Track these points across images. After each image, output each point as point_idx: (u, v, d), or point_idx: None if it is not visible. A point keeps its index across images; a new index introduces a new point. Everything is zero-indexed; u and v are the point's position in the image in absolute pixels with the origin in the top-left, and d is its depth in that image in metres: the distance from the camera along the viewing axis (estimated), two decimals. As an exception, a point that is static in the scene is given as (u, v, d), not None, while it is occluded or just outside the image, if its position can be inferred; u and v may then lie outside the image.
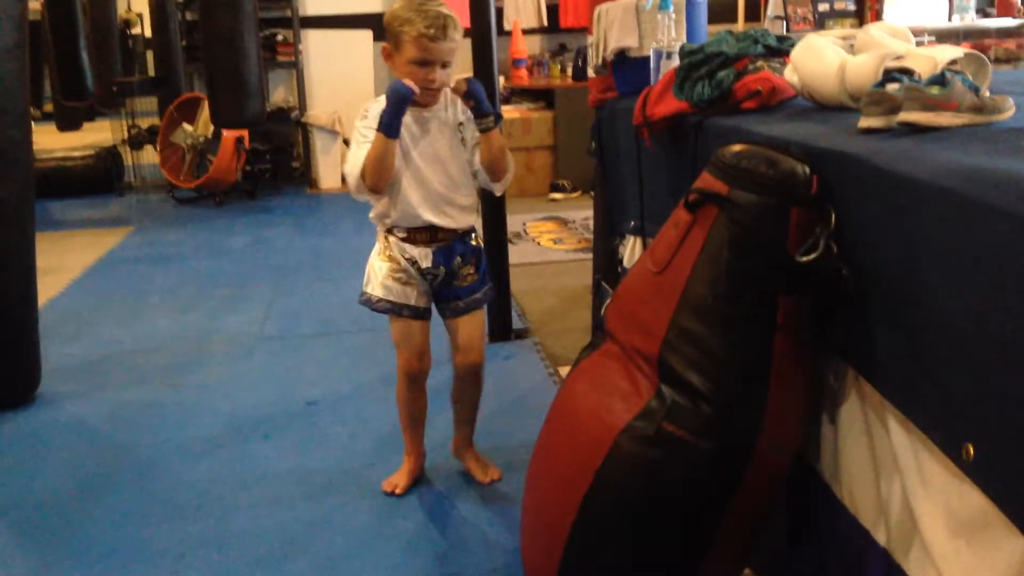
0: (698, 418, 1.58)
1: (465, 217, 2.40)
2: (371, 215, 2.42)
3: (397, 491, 2.52)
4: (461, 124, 2.35)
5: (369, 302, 2.42)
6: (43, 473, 2.76)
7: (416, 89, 2.22)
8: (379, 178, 2.26)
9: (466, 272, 2.43)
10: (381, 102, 2.26)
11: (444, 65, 2.25)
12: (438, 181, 2.34)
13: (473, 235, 2.46)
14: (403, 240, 2.38)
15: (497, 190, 2.45)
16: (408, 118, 2.28)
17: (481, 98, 2.27)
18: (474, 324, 2.47)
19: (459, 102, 2.34)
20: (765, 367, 1.57)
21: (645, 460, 1.60)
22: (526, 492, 1.96)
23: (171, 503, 2.53)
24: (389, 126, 2.21)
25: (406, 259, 2.38)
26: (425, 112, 2.32)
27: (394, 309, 2.40)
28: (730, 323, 1.59)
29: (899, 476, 1.41)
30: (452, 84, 2.27)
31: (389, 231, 2.40)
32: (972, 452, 1.20)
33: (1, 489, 2.67)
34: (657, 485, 1.62)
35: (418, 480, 2.57)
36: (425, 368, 2.47)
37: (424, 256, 2.37)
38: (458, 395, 2.58)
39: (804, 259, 1.52)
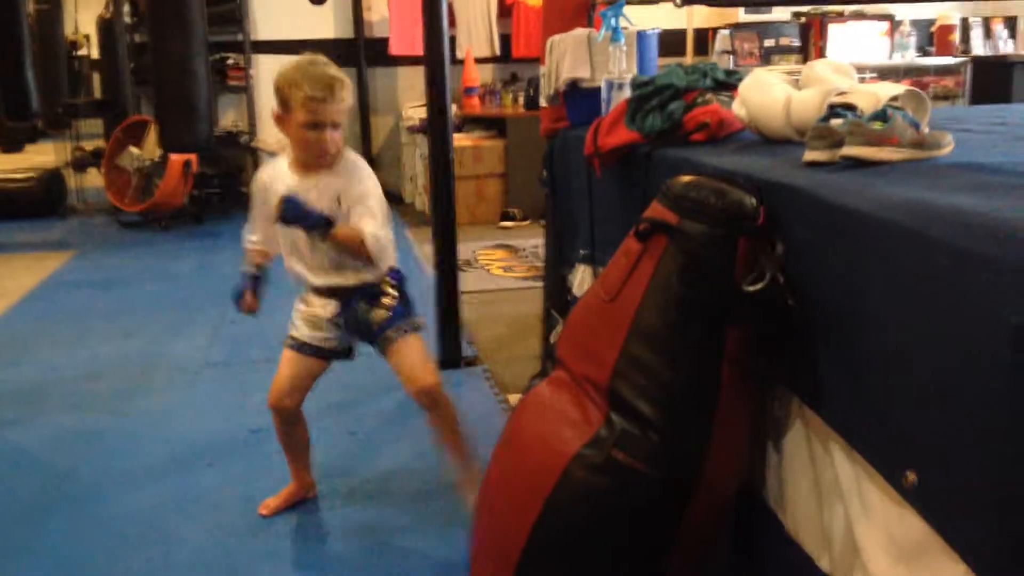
0: (647, 446, 1.59)
1: (358, 275, 2.35)
2: None
3: (265, 512, 2.53)
4: (339, 194, 2.28)
5: (286, 342, 2.45)
6: (-21, 501, 2.69)
7: (301, 155, 2.28)
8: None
9: (375, 315, 2.36)
10: (273, 166, 2.37)
11: (335, 126, 2.22)
12: (318, 250, 2.31)
13: (383, 282, 2.38)
14: (309, 292, 2.41)
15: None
16: (292, 184, 2.27)
17: (298, 219, 2.21)
18: (407, 349, 2.38)
19: (348, 167, 2.30)
20: (713, 395, 1.59)
21: (594, 488, 1.61)
22: (475, 519, 1.96)
23: (113, 533, 2.48)
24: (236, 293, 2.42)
25: (312, 310, 2.40)
26: (307, 180, 2.28)
27: (294, 346, 2.42)
28: (679, 351, 1.61)
29: (842, 503, 1.43)
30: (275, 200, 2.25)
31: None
32: (913, 479, 1.22)
33: (-66, 518, 2.59)
34: (606, 512, 1.63)
35: (295, 505, 2.56)
36: (287, 405, 2.44)
37: (324, 306, 2.38)
38: (435, 433, 2.49)
39: (751, 288, 1.54)
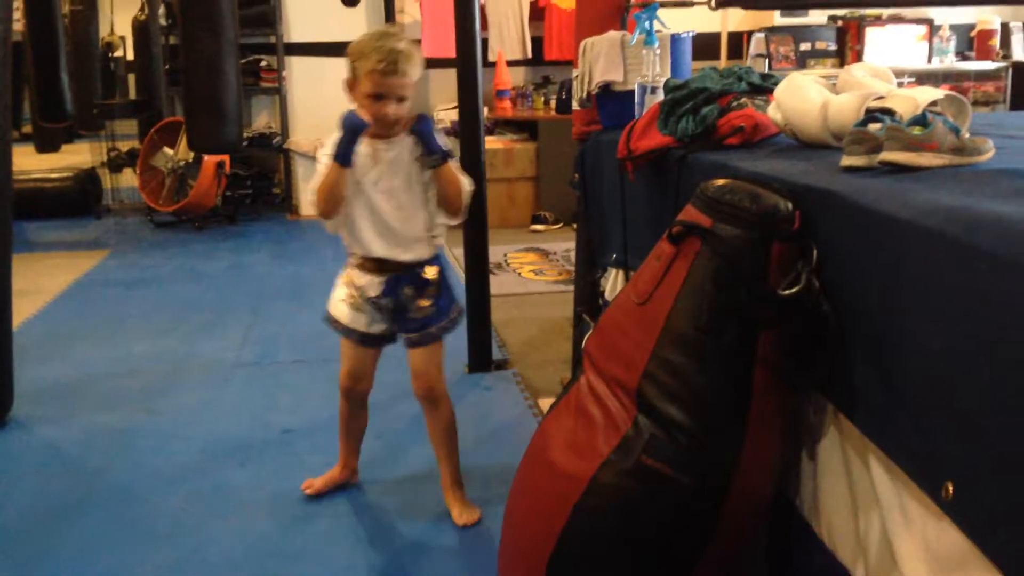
0: (676, 451, 1.58)
1: (416, 250, 2.39)
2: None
3: (308, 491, 2.61)
4: (419, 157, 2.35)
5: (328, 320, 2.49)
6: (13, 497, 2.71)
7: (369, 121, 2.24)
8: (328, 205, 2.31)
9: (419, 304, 2.41)
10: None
11: (400, 99, 2.27)
12: (389, 213, 2.35)
13: (427, 267, 2.42)
14: (356, 267, 2.42)
15: (451, 222, 2.45)
16: (365, 149, 2.30)
17: (426, 137, 2.30)
18: (427, 354, 2.46)
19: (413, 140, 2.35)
20: (745, 401, 1.58)
21: (623, 493, 1.60)
22: (505, 523, 1.95)
23: (144, 530, 2.50)
24: (341, 155, 2.25)
25: (357, 287, 2.42)
26: (382, 144, 2.33)
27: (343, 332, 2.47)
28: (711, 355, 1.59)
29: (878, 512, 1.41)
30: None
31: (350, 255, 2.44)
32: (952, 491, 1.20)
33: (-31, 513, 2.63)
34: (635, 519, 1.61)
35: (341, 487, 2.65)
36: (359, 389, 2.54)
37: (371, 285, 2.40)
38: (429, 427, 2.56)
39: (785, 293, 1.53)
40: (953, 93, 1.83)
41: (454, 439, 2.56)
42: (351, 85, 2.30)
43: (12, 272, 3.25)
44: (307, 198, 2.39)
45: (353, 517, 2.54)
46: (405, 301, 2.40)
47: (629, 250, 2.65)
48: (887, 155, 1.57)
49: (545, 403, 3.20)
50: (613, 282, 2.83)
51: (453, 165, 2.37)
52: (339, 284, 2.47)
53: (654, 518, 1.60)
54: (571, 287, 3.99)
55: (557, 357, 3.72)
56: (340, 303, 2.45)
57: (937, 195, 1.37)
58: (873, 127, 1.63)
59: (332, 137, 2.31)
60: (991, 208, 1.26)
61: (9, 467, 2.92)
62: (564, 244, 5.84)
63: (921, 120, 1.59)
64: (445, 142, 2.37)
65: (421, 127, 2.30)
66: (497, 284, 4.22)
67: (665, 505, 1.59)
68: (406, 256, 2.38)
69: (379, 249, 2.37)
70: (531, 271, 5.42)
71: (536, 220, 6.67)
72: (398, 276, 2.39)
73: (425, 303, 2.42)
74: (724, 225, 1.60)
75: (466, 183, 2.40)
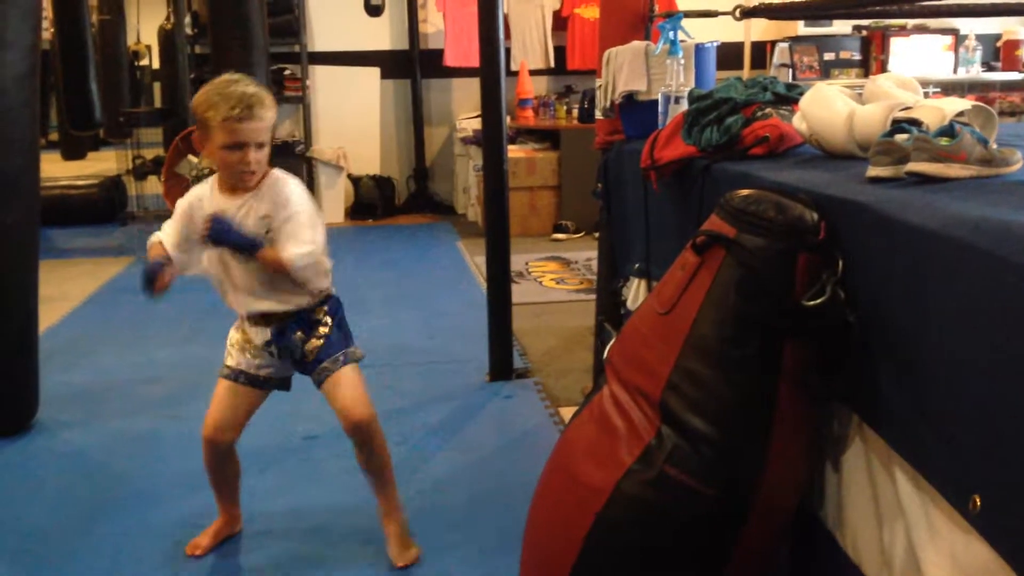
0: (700, 461, 1.57)
1: (295, 299, 2.27)
2: None
3: (197, 552, 2.39)
4: (266, 216, 2.19)
5: (221, 372, 2.37)
6: (38, 501, 2.73)
7: (226, 176, 2.17)
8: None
9: (311, 346, 2.29)
10: (201, 187, 2.26)
11: (259, 146, 2.14)
12: (250, 273, 2.23)
13: (317, 309, 2.31)
14: (244, 319, 2.33)
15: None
16: (220, 206, 2.18)
17: (225, 239, 2.14)
18: (342, 384, 2.29)
19: (271, 190, 2.20)
20: (769, 412, 1.57)
21: (646, 504, 1.59)
22: (526, 532, 1.94)
23: (166, 536, 2.50)
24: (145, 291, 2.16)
25: (245, 334, 2.33)
26: (235, 201, 2.19)
27: (228, 375, 2.34)
28: (735, 366, 1.58)
29: (904, 525, 1.40)
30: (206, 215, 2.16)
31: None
32: (979, 503, 1.19)
33: (-6, 517, 2.65)
34: (656, 529, 1.61)
35: (224, 541, 2.46)
36: (226, 440, 2.36)
37: (259, 335, 2.30)
38: (361, 463, 2.37)
39: (810, 304, 1.52)
40: (980, 104, 1.82)
41: (389, 470, 2.40)
42: (201, 141, 2.15)
43: (39, 278, 3.28)
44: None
45: (373, 521, 2.54)
46: (297, 344, 2.29)
47: (652, 260, 2.64)
48: (914, 165, 1.56)
49: (566, 412, 3.19)
50: (635, 291, 2.83)
51: (282, 234, 2.17)
52: (230, 335, 2.37)
53: (676, 529, 1.59)
54: (592, 296, 3.98)
55: (578, 366, 3.71)
56: (233, 350, 2.34)
57: (965, 206, 1.36)
58: (900, 137, 1.62)
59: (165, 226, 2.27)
60: (1019, 219, 1.25)
61: (34, 471, 2.95)
62: (585, 253, 5.83)
63: (948, 131, 1.58)
64: (249, 227, 2.18)
65: (215, 234, 2.12)
66: (518, 293, 4.22)
67: (687, 516, 1.58)
68: (284, 307, 2.27)
69: (254, 306, 2.27)
70: (552, 280, 5.42)
71: (557, 229, 6.67)
72: (283, 325, 2.29)
73: (316, 343, 2.29)
74: (749, 235, 1.60)
75: (291, 253, 2.15)
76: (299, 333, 2.29)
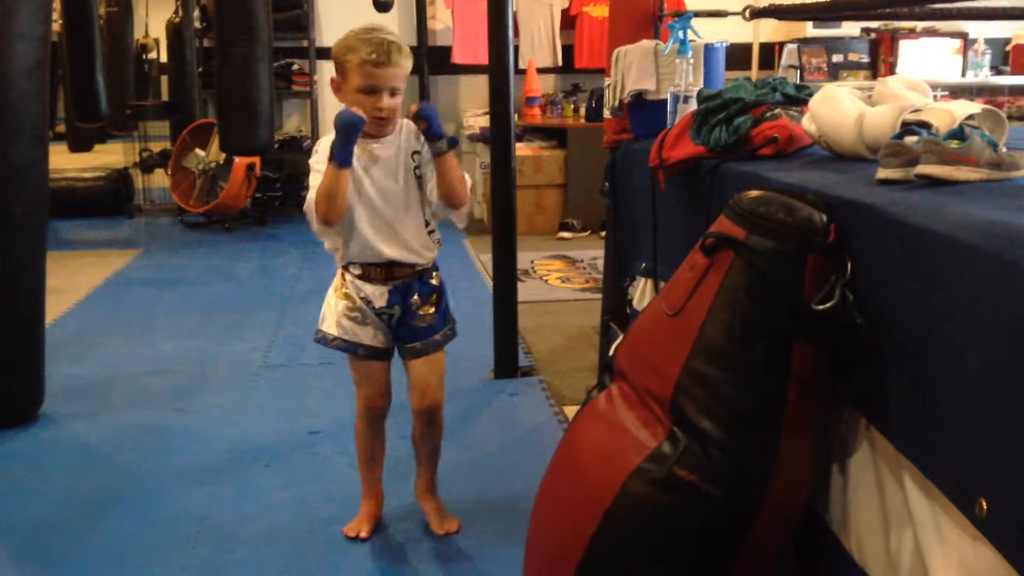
0: (709, 463, 1.57)
1: (424, 252, 2.32)
2: (326, 247, 2.36)
3: (362, 535, 2.43)
4: (416, 153, 2.26)
5: (324, 340, 2.35)
6: (43, 494, 2.74)
7: (365, 117, 2.14)
8: (330, 210, 2.17)
9: (424, 312, 2.33)
10: (332, 137, 2.20)
11: (393, 92, 2.18)
12: (392, 214, 2.26)
13: (434, 273, 2.37)
14: (358, 278, 2.30)
15: (456, 220, 2.39)
16: (359, 149, 2.19)
17: (432, 119, 2.21)
18: (431, 366, 2.36)
19: (413, 132, 2.27)
20: (778, 414, 1.57)
21: (654, 503, 1.59)
22: (531, 530, 1.95)
23: (170, 530, 2.51)
24: (338, 156, 2.13)
25: (361, 298, 2.30)
26: (377, 142, 2.24)
27: (349, 348, 2.33)
28: (744, 368, 1.58)
29: (911, 528, 1.40)
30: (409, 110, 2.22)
31: (345, 267, 2.33)
32: (985, 507, 1.19)
33: None
34: (666, 529, 1.61)
35: (378, 521, 2.50)
36: (386, 406, 2.42)
37: (379, 295, 2.29)
38: (417, 437, 2.48)
39: (820, 307, 1.52)
40: (991, 107, 1.81)
41: (439, 450, 2.50)
42: (339, 84, 2.20)
43: (47, 270, 3.29)
44: (307, 207, 2.24)
45: (381, 519, 2.54)
46: (412, 308, 2.32)
47: (659, 260, 2.64)
48: (924, 168, 1.56)
49: (571, 411, 3.20)
50: (642, 291, 2.83)
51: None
52: (334, 298, 2.34)
53: (684, 529, 1.59)
54: (597, 295, 3.98)
55: (583, 365, 3.72)
56: (342, 319, 2.32)
57: (974, 209, 1.36)
58: (909, 140, 1.62)
59: (323, 141, 2.22)
60: (1030, 224, 1.25)
61: (39, 463, 2.96)
62: (591, 252, 5.83)
63: (958, 134, 1.58)
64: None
65: (426, 111, 2.20)
66: (524, 291, 4.22)
67: (696, 516, 1.58)
68: (414, 259, 2.30)
69: (386, 253, 2.26)
70: (558, 278, 5.42)
71: (564, 227, 6.67)
72: (407, 283, 2.31)
73: (430, 310, 2.34)
74: (758, 237, 1.59)
75: (466, 175, 2.31)
76: (416, 297, 2.32)
